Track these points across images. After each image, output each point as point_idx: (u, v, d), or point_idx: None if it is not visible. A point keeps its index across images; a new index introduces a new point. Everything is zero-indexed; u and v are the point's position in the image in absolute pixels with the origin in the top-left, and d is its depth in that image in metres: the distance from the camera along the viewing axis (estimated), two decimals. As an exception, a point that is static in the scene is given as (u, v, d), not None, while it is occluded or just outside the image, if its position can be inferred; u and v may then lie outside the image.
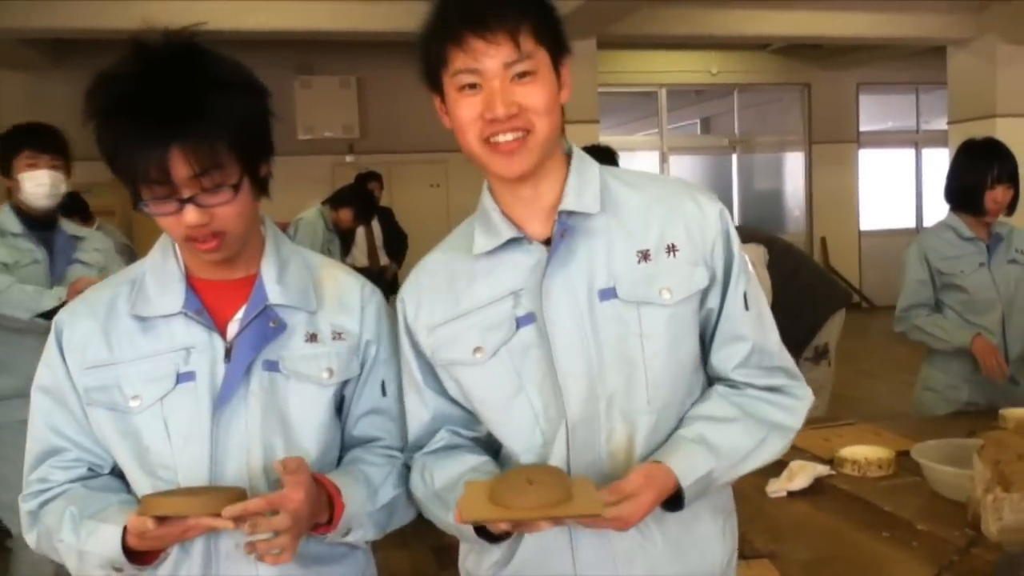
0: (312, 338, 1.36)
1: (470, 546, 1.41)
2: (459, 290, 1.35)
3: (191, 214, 1.21)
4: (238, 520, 1.16)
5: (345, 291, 1.42)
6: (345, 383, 1.40)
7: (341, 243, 6.16)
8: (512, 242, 1.32)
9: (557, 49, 1.27)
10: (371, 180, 7.12)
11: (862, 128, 11.50)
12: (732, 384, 1.36)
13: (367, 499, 1.33)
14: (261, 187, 1.31)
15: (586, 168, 1.35)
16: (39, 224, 3.20)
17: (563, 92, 1.30)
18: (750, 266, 1.38)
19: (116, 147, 1.19)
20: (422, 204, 9.81)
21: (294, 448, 1.32)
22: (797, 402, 1.38)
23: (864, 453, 2.42)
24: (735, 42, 9.77)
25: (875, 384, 7.00)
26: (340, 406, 1.42)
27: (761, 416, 1.33)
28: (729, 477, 1.31)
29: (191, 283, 1.35)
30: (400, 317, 1.40)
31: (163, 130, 1.16)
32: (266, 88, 1.31)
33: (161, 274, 1.35)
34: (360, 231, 6.88)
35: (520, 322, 1.30)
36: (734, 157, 11.51)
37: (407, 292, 1.41)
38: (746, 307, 1.34)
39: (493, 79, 1.23)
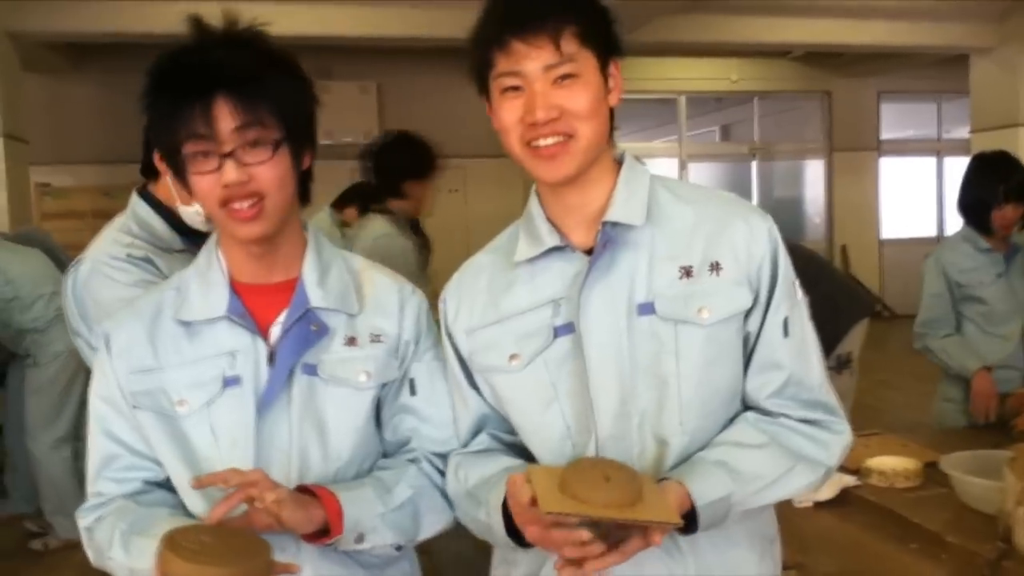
0: (351, 342, 1.35)
1: (501, 556, 1.39)
2: (498, 295, 1.34)
3: (230, 170, 1.21)
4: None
5: (383, 293, 1.41)
6: (384, 386, 1.38)
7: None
8: (555, 250, 1.30)
9: (605, 51, 1.25)
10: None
11: (883, 136, 11.43)
12: (766, 412, 1.30)
13: (377, 499, 1.30)
14: (301, 180, 1.32)
15: (635, 178, 1.32)
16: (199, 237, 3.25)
17: (612, 95, 1.27)
18: (799, 293, 1.32)
19: (164, 102, 1.22)
20: (440, 209, 9.73)
21: (329, 452, 1.32)
22: (833, 437, 1.30)
23: (891, 464, 2.38)
24: (755, 49, 9.72)
25: (894, 395, 6.94)
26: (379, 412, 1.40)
27: (791, 447, 1.27)
28: (750, 504, 1.24)
29: (234, 287, 1.35)
30: (441, 318, 1.40)
31: (209, 80, 1.20)
32: (311, 80, 1.33)
33: (204, 278, 1.36)
34: None
35: (558, 331, 1.28)
36: (754, 165, 11.46)
37: (449, 293, 1.41)
38: (785, 334, 1.28)
39: (534, 82, 1.21)
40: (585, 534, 1.08)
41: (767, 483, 1.25)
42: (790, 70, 10.83)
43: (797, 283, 1.32)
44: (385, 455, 1.42)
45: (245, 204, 1.24)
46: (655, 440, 1.25)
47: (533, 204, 1.34)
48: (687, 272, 1.26)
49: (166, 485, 1.36)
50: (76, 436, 4.40)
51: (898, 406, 6.52)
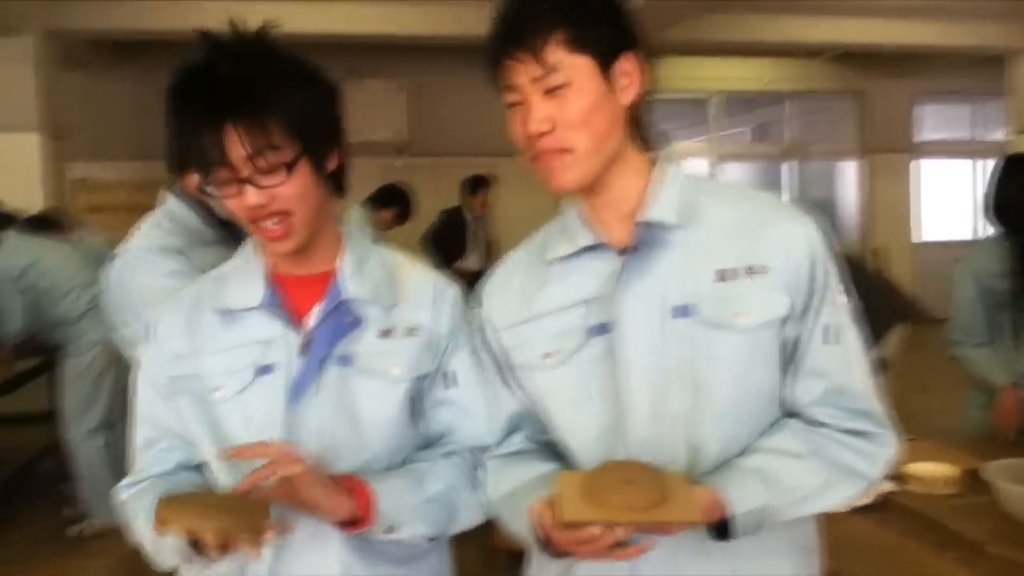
0: (386, 334, 1.36)
1: (537, 558, 1.39)
2: (532, 292, 1.34)
3: (251, 195, 1.24)
4: (260, 544, 1.16)
5: (419, 287, 1.42)
6: (422, 380, 1.39)
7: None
8: (589, 249, 1.29)
9: (609, 50, 1.21)
10: (480, 185, 7.15)
11: (917, 138, 11.30)
12: (809, 420, 1.27)
13: (409, 491, 1.31)
14: (331, 179, 1.34)
15: (671, 177, 1.30)
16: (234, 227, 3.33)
17: (624, 93, 1.24)
18: (843, 299, 1.29)
19: (179, 130, 1.24)
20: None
21: (361, 443, 1.33)
22: (879, 450, 1.27)
23: (931, 470, 2.36)
24: (788, 49, 9.65)
25: (929, 399, 6.84)
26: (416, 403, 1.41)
27: (833, 458, 1.24)
28: (787, 515, 1.22)
29: (272, 278, 1.38)
30: (477, 315, 1.40)
31: (217, 111, 1.21)
32: (332, 83, 1.33)
33: (243, 269, 1.39)
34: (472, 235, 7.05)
35: (591, 331, 1.27)
36: (785, 166, 11.37)
37: (485, 290, 1.41)
38: (827, 340, 1.25)
39: (528, 95, 1.21)
40: (597, 530, 1.08)
41: (806, 494, 1.23)
42: (823, 70, 10.74)
43: (841, 289, 1.30)
44: (424, 447, 1.43)
45: (271, 223, 1.27)
46: (688, 445, 1.24)
47: (568, 202, 1.33)
48: (723, 275, 1.24)
49: (200, 469, 1.40)
50: (109, 425, 4.48)
51: (934, 411, 6.42)
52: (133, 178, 8.91)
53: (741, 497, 1.17)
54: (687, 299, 1.23)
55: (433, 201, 7.62)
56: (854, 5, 7.80)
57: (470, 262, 7.17)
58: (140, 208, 7.98)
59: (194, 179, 1.95)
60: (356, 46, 8.39)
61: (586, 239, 1.29)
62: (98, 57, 8.45)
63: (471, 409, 1.41)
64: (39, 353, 4.86)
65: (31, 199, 5.92)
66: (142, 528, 1.32)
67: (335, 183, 1.36)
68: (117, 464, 4.44)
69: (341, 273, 1.37)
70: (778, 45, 8.75)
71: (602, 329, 1.26)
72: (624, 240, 1.28)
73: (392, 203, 5.92)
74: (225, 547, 1.17)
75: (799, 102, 11.26)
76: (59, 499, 4.73)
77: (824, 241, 1.28)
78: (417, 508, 1.31)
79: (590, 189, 1.28)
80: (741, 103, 11.80)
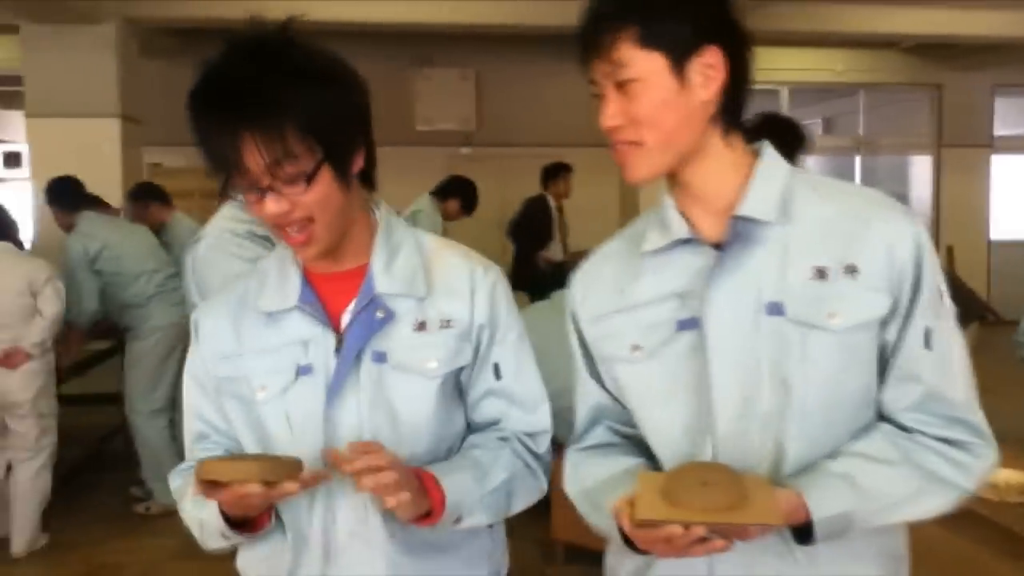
0: (421, 327, 1.35)
1: (616, 545, 1.36)
2: (624, 283, 1.32)
3: (271, 203, 1.23)
4: (303, 485, 1.20)
5: (454, 275, 1.40)
6: (460, 371, 1.38)
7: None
8: (683, 242, 1.27)
9: (681, 48, 1.19)
10: (561, 171, 7.19)
11: (997, 132, 10.96)
12: (902, 426, 1.23)
13: (475, 483, 1.31)
14: (359, 178, 1.32)
15: (771, 171, 1.27)
16: None
17: (703, 88, 1.21)
18: (946, 304, 1.24)
19: (199, 137, 1.23)
20: (535, 198, 9.83)
21: (402, 439, 1.33)
22: (975, 461, 1.21)
23: (1004, 477, 2.30)
24: (863, 40, 9.42)
25: (999, 402, 6.62)
26: (461, 394, 1.41)
27: (926, 466, 1.19)
28: (873, 522, 1.18)
29: (308, 277, 1.38)
30: (568, 301, 1.40)
31: (234, 120, 1.19)
32: (358, 80, 1.30)
33: (281, 268, 1.39)
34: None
35: (681, 325, 1.26)
36: (857, 159, 11.14)
37: (577, 278, 1.41)
38: (926, 345, 1.20)
39: (605, 89, 1.23)
40: (676, 529, 1.07)
41: (894, 502, 1.18)
42: (899, 62, 10.47)
43: (945, 293, 1.24)
44: (470, 431, 1.43)
45: (294, 230, 1.26)
46: (774, 445, 1.22)
47: (665, 193, 1.32)
48: (820, 273, 1.20)
49: None
50: (172, 407, 4.61)
51: (1005, 415, 6.25)
52: (194, 165, 9.10)
53: (824, 501, 1.15)
54: (781, 296, 1.21)
55: (499, 191, 7.65)
56: (933, -6, 7.59)
57: (553, 251, 7.17)
58: (211, 193, 8.11)
59: None
60: (424, 35, 8.45)
61: (680, 232, 1.27)
62: (172, 45, 8.64)
63: (519, 398, 1.41)
64: (110, 335, 5.02)
65: (110, 184, 6.10)
66: (189, 508, 1.36)
67: (363, 178, 1.34)
68: (179, 446, 4.58)
69: (373, 268, 1.36)
70: (851, 35, 8.55)
71: (692, 324, 1.25)
72: (718, 234, 1.26)
73: (455, 194, 5.97)
74: (256, 517, 1.25)
75: (873, 94, 11.00)
76: (129, 478, 4.87)
77: (930, 240, 1.23)
78: (483, 499, 1.32)
79: (677, 182, 1.28)
80: (812, 94, 11.59)
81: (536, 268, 7.00)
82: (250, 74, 1.20)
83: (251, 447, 1.37)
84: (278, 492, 1.18)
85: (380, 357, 1.33)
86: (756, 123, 3.87)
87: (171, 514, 4.30)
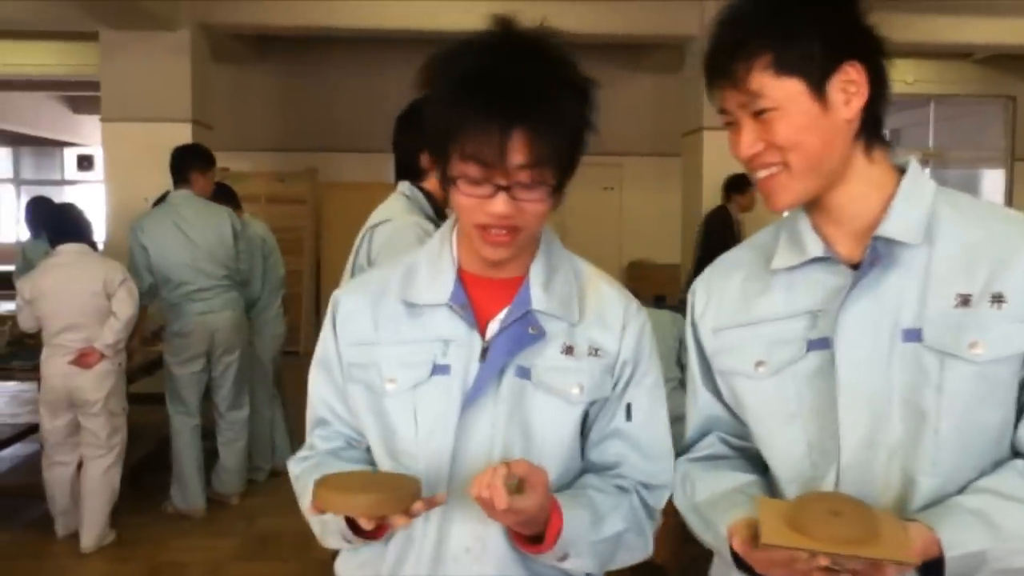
0: (568, 351, 1.30)
1: (721, 560, 1.34)
2: (752, 297, 1.29)
3: (501, 203, 1.18)
4: (413, 516, 1.17)
5: (608, 306, 1.35)
6: (593, 403, 1.33)
7: None
8: (817, 260, 1.23)
9: (819, 70, 1.15)
10: (744, 184, 7.06)
11: (1073, 146, 10.64)
12: None
13: (590, 526, 1.26)
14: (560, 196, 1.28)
15: (917, 191, 1.21)
16: None
17: (846, 107, 1.16)
18: None
19: (456, 117, 1.17)
20: (595, 207, 9.81)
21: (533, 460, 1.26)
22: None
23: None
24: (935, 50, 9.22)
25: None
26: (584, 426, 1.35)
27: None
28: (1008, 564, 1.11)
29: (461, 277, 1.33)
30: (688, 310, 1.36)
31: (511, 111, 1.14)
32: (596, 93, 1.26)
33: (434, 263, 1.35)
34: None
35: (811, 345, 1.22)
36: (927, 171, 10.89)
37: (699, 286, 1.37)
38: None
39: (738, 118, 1.19)
40: (801, 555, 1.03)
41: None
42: (971, 73, 10.23)
43: None
44: (583, 473, 1.37)
45: (502, 231, 1.22)
46: (903, 477, 1.16)
47: (797, 209, 1.27)
48: (964, 301, 1.14)
49: (368, 449, 1.38)
50: (203, 412, 4.71)
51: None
52: (271, 168, 9.27)
53: (957, 539, 1.09)
54: (920, 322, 1.16)
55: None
56: (1007, 4, 7.39)
57: None
58: (276, 198, 8.33)
59: (432, 180, 2.35)
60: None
61: (816, 250, 1.23)
62: (243, 51, 8.81)
63: (644, 445, 1.35)
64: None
65: (180, 187, 6.23)
66: (309, 508, 1.32)
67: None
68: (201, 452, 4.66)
69: (531, 282, 1.31)
70: (924, 45, 8.36)
71: (823, 344, 1.20)
72: (855, 254, 1.21)
73: None
74: (379, 524, 1.21)
75: (944, 106, 10.76)
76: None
77: None
78: (592, 544, 1.27)
79: (813, 203, 1.23)
80: (881, 105, 11.39)
81: None
82: (535, 73, 1.17)
83: (374, 439, 1.34)
84: (389, 524, 1.17)
85: (524, 373, 1.29)
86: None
87: (223, 514, 4.44)
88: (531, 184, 1.19)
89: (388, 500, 1.16)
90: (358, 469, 1.33)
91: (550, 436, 1.30)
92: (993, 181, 10.78)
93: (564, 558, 1.26)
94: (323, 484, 1.18)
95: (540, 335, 1.29)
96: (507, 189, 1.18)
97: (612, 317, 1.35)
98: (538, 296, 1.30)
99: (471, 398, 1.27)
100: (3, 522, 4.51)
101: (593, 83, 1.25)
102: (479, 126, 1.15)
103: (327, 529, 1.32)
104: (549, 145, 1.16)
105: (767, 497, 1.21)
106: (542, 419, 1.29)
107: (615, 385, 1.34)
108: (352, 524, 1.26)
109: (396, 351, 1.32)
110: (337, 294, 1.41)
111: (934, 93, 10.50)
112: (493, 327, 1.31)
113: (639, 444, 1.35)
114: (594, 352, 1.32)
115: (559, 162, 1.20)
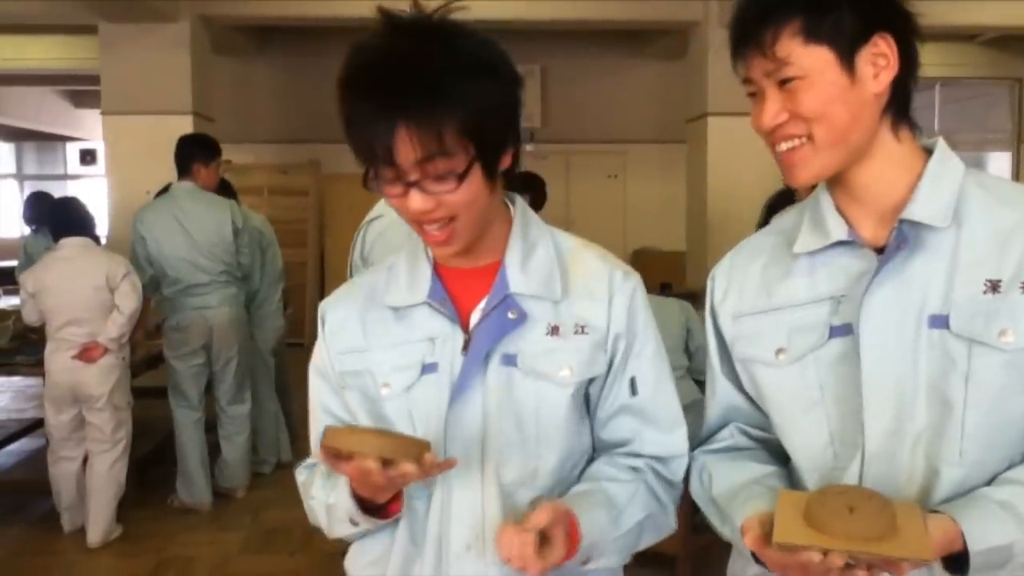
0: (554, 331, 1.27)
1: (739, 551, 1.31)
2: (773, 282, 1.25)
3: (416, 199, 1.16)
4: (423, 470, 1.13)
5: (593, 279, 1.31)
6: (590, 381, 1.29)
7: None
8: (841, 243, 1.19)
9: (849, 39, 1.11)
10: None
11: (1080, 128, 10.58)
12: None
13: (610, 524, 1.23)
14: (503, 175, 1.24)
15: (945, 172, 1.17)
16: None
17: (875, 80, 1.12)
18: None
19: (349, 120, 1.17)
20: (599, 194, 9.80)
21: (527, 450, 1.27)
22: None
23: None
24: (938, 32, 9.12)
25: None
26: (588, 405, 1.32)
27: None
28: None
29: (438, 272, 1.31)
30: (707, 296, 1.33)
31: (392, 108, 1.11)
32: (517, 74, 1.23)
33: (411, 262, 1.33)
34: None
35: (833, 331, 1.18)
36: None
37: (719, 271, 1.34)
38: None
39: (764, 88, 1.15)
40: (815, 556, 0.99)
41: None
42: (977, 55, 10.15)
43: None
44: (594, 450, 1.35)
45: (435, 227, 1.20)
46: (927, 467, 1.13)
47: (821, 190, 1.23)
48: (994, 287, 1.11)
49: None
50: (205, 406, 4.72)
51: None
52: (274, 161, 9.25)
53: (984, 532, 1.05)
54: (947, 308, 1.12)
55: (564, 187, 7.61)
56: (1014, -15, 7.33)
57: None
58: (279, 189, 8.33)
59: None
60: (488, 31, 8.43)
61: (840, 233, 1.19)
62: (243, 43, 8.78)
63: (654, 417, 1.32)
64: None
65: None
66: (318, 494, 1.31)
67: (506, 174, 1.26)
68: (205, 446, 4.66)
69: (507, 265, 1.29)
70: (928, 28, 8.18)
71: (846, 330, 1.17)
72: (880, 237, 1.18)
73: (525, 190, 5.90)
74: (389, 501, 1.20)
75: (949, 89, 10.69)
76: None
77: None
78: (615, 540, 1.25)
79: (837, 180, 1.19)
80: (886, 89, 11.34)
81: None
82: (415, 61, 1.12)
83: None
84: (397, 472, 1.11)
85: (510, 360, 1.26)
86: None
87: (229, 508, 4.44)
88: (440, 175, 1.15)
89: (400, 445, 1.13)
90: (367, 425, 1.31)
91: (544, 422, 1.27)
92: (999, 164, 10.72)
93: (587, 562, 1.23)
94: (333, 431, 1.15)
95: (521, 319, 1.26)
96: (416, 184, 1.15)
97: (597, 289, 1.30)
98: (516, 278, 1.27)
99: (458, 391, 1.25)
100: (10, 517, 4.51)
101: (503, 56, 1.21)
102: (368, 128, 1.13)
103: (334, 515, 1.29)
104: (438, 136, 1.12)
105: (788, 490, 1.18)
106: (533, 406, 1.26)
107: (612, 360, 1.30)
108: (360, 502, 1.23)
109: (387, 356, 1.30)
110: (323, 305, 1.40)
111: (939, 76, 10.43)
112: (475, 317, 1.28)
113: (649, 417, 1.32)
114: (581, 330, 1.28)
115: (469, 146, 1.15)
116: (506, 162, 1.24)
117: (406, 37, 1.15)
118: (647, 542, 1.32)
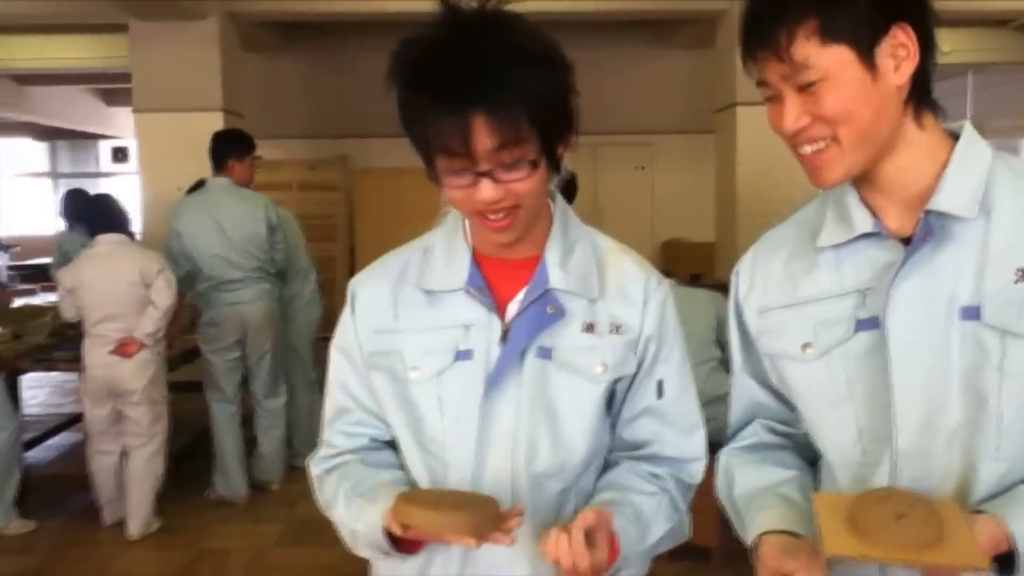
0: (589, 328, 1.28)
1: None
2: (797, 275, 1.23)
3: (486, 189, 1.16)
4: (482, 538, 1.14)
5: (629, 281, 1.33)
6: (617, 380, 1.31)
7: None
8: (867, 235, 1.17)
9: (867, 35, 1.07)
10: None
11: (1117, 112, 10.39)
12: None
13: (638, 539, 1.26)
14: (556, 166, 1.24)
15: (973, 159, 1.14)
16: None
17: (896, 74, 1.09)
18: None
19: (417, 114, 1.16)
20: (627, 186, 9.77)
21: (559, 442, 1.28)
22: None
23: None
24: (972, 18, 9.02)
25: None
26: (611, 403, 1.33)
27: None
28: None
29: (476, 260, 1.31)
30: (732, 291, 1.32)
31: (467, 98, 1.11)
32: (571, 63, 1.23)
33: (449, 247, 1.33)
34: None
35: (860, 325, 1.16)
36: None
37: (743, 266, 1.33)
38: None
39: (782, 91, 1.11)
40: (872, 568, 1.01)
41: None
42: (1011, 40, 9.98)
43: None
44: (621, 450, 1.37)
45: (500, 215, 1.20)
46: (964, 463, 1.10)
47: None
48: None
49: (392, 445, 1.37)
50: (241, 399, 4.74)
51: None
52: (302, 156, 9.30)
53: None
54: (978, 299, 1.09)
55: (590, 179, 7.59)
56: (1049, -32, 7.21)
57: None
58: (307, 185, 8.37)
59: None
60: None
61: (865, 225, 1.16)
62: (271, 40, 8.83)
63: (677, 421, 1.34)
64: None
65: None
66: (341, 513, 1.31)
67: (557, 166, 1.26)
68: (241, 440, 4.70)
69: (547, 260, 1.29)
70: (961, 13, 8.18)
71: (873, 324, 1.15)
72: (906, 228, 1.15)
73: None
74: (417, 539, 1.19)
75: (983, 75, 10.54)
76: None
77: None
78: (641, 553, 1.28)
79: (861, 175, 1.16)
80: (917, 76, 11.19)
81: None
82: (483, 51, 1.13)
83: (400, 428, 1.33)
84: (489, 541, 1.14)
85: (545, 353, 1.27)
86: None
87: (264, 501, 4.48)
88: (511, 164, 1.16)
89: (483, 515, 1.14)
90: (428, 488, 1.31)
91: (575, 416, 1.28)
92: (1034, 150, 10.58)
93: (615, 573, 1.25)
94: (406, 498, 1.17)
95: (560, 314, 1.27)
96: (488, 174, 1.16)
97: (633, 292, 1.32)
98: (555, 274, 1.28)
99: (494, 382, 1.26)
100: (53, 510, 4.58)
101: (559, 49, 1.21)
102: (439, 119, 1.13)
103: (360, 540, 1.30)
104: (515, 121, 1.12)
105: (822, 493, 1.16)
106: (566, 400, 1.28)
107: (641, 362, 1.31)
108: (391, 537, 1.24)
109: (418, 338, 1.30)
110: (354, 282, 1.40)
111: (972, 62, 10.28)
112: (512, 309, 1.29)
113: (671, 420, 1.34)
114: (615, 329, 1.29)
115: (537, 134, 1.16)
116: (561, 151, 1.25)
117: (467, 28, 1.15)
118: (664, 548, 1.35)
